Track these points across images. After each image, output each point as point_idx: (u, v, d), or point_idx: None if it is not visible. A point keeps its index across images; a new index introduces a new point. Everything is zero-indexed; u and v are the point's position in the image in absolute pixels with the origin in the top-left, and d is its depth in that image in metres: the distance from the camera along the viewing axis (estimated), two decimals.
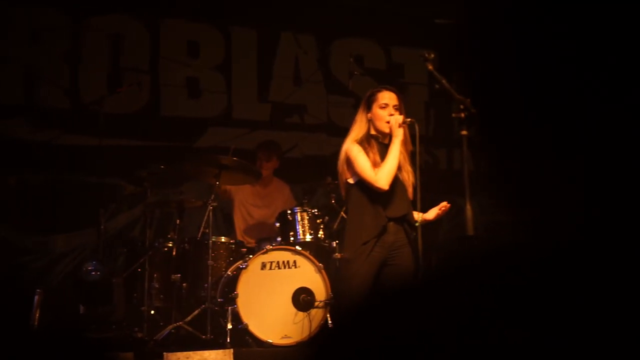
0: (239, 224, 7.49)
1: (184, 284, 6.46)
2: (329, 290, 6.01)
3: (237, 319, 6.03)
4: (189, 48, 8.76)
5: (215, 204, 6.43)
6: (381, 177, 4.79)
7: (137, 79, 8.08)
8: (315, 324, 6.06)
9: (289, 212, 6.64)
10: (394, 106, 4.95)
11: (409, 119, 4.90)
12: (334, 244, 6.38)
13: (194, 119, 8.62)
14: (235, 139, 8.42)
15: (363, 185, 4.87)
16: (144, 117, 8.35)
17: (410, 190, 4.97)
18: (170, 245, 6.63)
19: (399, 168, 4.92)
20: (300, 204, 6.74)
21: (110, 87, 8.09)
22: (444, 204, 5.07)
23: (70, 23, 8.17)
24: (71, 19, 8.18)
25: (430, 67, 4.28)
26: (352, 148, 4.92)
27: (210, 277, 6.21)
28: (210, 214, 6.36)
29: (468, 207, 3.93)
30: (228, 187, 7.24)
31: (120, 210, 8.05)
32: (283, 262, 6.24)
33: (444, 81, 4.22)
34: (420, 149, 9.46)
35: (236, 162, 6.50)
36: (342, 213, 6.70)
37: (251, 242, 7.12)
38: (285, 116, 9.12)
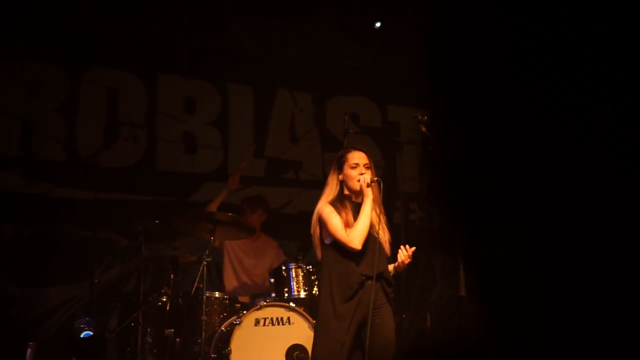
0: (229, 278, 7.44)
1: (178, 339, 6.42)
2: None
3: None
4: (185, 103, 8.80)
5: (209, 259, 6.40)
6: (353, 237, 4.81)
7: (132, 134, 8.13)
8: None
9: (283, 267, 6.64)
10: (364, 165, 5.01)
11: (375, 178, 4.95)
12: None
13: (189, 174, 8.63)
14: (231, 194, 8.43)
15: (337, 245, 4.89)
16: (140, 171, 8.36)
17: (387, 246, 4.97)
18: (164, 299, 6.58)
19: (372, 226, 4.93)
20: (295, 260, 6.73)
21: (106, 141, 8.12)
22: (408, 250, 5.00)
23: (67, 76, 8.21)
24: (68, 72, 8.21)
25: (423, 128, 4.33)
26: (324, 209, 4.96)
27: (203, 333, 6.17)
28: (205, 269, 6.34)
29: (461, 267, 3.93)
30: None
31: (113, 264, 8.01)
32: (277, 318, 6.23)
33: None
34: (415, 207, 9.57)
35: (230, 217, 6.51)
36: None
37: (244, 298, 7.07)
38: (281, 172, 9.14)
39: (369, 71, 9.57)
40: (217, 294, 6.69)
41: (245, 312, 6.27)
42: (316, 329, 4.97)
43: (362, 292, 4.82)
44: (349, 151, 5.10)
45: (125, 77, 8.51)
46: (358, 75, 9.51)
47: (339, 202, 4.97)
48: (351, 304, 4.78)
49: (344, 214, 4.89)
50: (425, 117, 4.28)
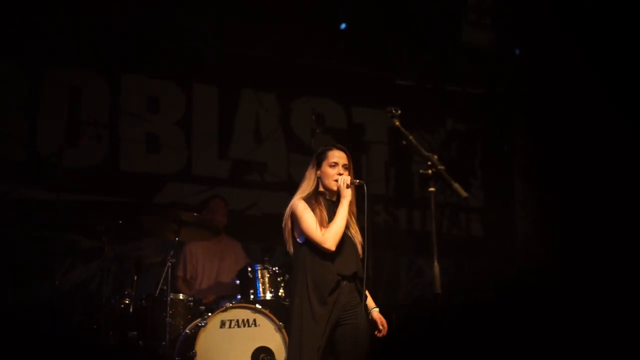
0: (188, 281, 7.37)
1: (141, 342, 6.33)
2: None
3: None
4: (149, 103, 8.68)
5: (174, 260, 6.35)
6: (328, 238, 4.73)
7: (96, 132, 8.00)
8: None
9: (249, 269, 6.58)
10: (343, 165, 4.92)
11: (357, 180, 4.87)
12: None
13: (153, 175, 8.50)
14: (194, 196, 8.35)
15: (311, 244, 4.80)
16: (103, 171, 8.22)
17: (359, 247, 4.92)
18: (127, 301, 6.48)
19: (347, 226, 4.86)
20: (261, 262, 6.68)
21: (68, 140, 7.98)
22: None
23: (28, 74, 8.06)
24: (30, 70, 8.07)
25: (397, 123, 4.29)
26: (298, 205, 4.86)
27: (168, 335, 6.09)
28: (169, 270, 6.27)
29: (436, 264, 3.90)
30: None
31: (75, 266, 7.87)
32: (243, 320, 6.16)
33: (411, 137, 4.22)
34: (379, 209, 9.55)
35: (196, 217, 6.45)
36: None
37: (207, 299, 6.99)
38: (245, 173, 9.05)
39: (333, 72, 9.52)
40: (181, 296, 6.61)
41: (210, 314, 6.20)
42: (291, 329, 4.86)
43: (338, 292, 4.75)
44: (329, 149, 5.01)
45: (88, 75, 8.36)
46: (323, 76, 9.45)
47: (313, 199, 4.89)
48: (328, 307, 4.71)
49: (318, 211, 4.81)
50: (399, 111, 4.24)
